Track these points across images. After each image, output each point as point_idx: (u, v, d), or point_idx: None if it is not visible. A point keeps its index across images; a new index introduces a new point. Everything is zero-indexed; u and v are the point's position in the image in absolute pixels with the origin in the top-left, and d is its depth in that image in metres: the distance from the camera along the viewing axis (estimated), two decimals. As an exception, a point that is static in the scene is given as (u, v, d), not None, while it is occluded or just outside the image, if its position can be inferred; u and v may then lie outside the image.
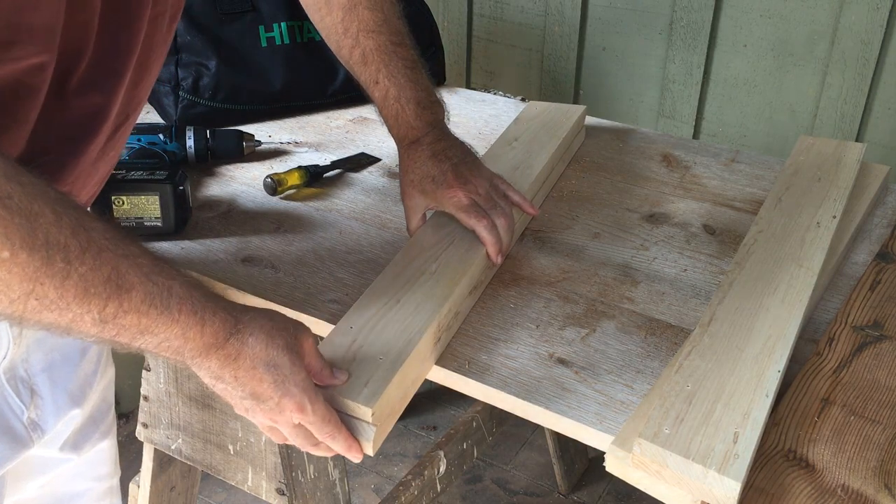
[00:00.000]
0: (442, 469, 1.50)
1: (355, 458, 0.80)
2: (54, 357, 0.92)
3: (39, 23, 0.62)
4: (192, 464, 1.22)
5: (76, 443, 0.98)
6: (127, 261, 0.64)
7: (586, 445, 0.83)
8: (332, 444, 0.78)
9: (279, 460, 1.12)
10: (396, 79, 1.01)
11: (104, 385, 1.03)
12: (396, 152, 1.35)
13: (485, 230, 0.98)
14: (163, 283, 0.66)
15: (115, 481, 1.10)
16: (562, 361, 0.89)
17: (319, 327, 0.96)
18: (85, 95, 0.72)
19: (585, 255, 1.07)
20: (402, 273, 0.96)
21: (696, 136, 1.87)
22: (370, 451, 0.81)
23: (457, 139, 1.06)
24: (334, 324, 0.91)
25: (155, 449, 1.28)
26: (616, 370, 0.88)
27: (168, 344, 0.68)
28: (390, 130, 1.06)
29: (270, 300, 0.99)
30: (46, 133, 0.70)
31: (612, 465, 0.78)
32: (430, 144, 1.03)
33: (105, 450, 1.04)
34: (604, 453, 0.78)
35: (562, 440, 1.86)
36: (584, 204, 1.19)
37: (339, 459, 1.24)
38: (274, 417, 0.76)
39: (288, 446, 1.12)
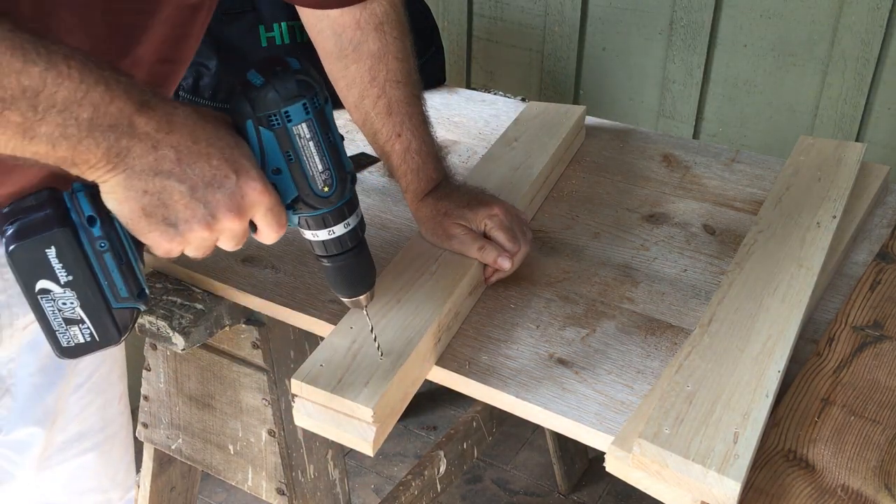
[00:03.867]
0: (442, 469, 1.50)
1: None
2: (46, 363, 0.92)
3: None
4: (192, 464, 1.22)
5: (39, 464, 0.98)
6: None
7: (586, 445, 0.83)
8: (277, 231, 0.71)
9: (279, 460, 1.12)
10: (419, 132, 0.99)
11: (97, 405, 1.02)
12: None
13: (511, 259, 0.97)
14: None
15: (114, 495, 1.09)
16: (562, 361, 0.89)
17: (319, 327, 0.96)
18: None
19: (585, 255, 1.07)
20: (402, 273, 0.96)
21: (696, 136, 1.87)
22: (370, 452, 0.81)
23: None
24: (334, 324, 0.92)
25: (155, 449, 1.28)
26: (616, 370, 0.88)
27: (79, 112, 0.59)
28: (406, 182, 1.02)
29: (270, 300, 0.99)
30: None
31: (612, 466, 0.78)
32: (447, 186, 1.03)
33: (85, 467, 1.03)
34: (604, 453, 0.78)
35: (562, 440, 1.86)
36: (584, 204, 1.19)
37: (339, 459, 1.24)
38: (237, 203, 0.65)
39: (288, 447, 1.12)
